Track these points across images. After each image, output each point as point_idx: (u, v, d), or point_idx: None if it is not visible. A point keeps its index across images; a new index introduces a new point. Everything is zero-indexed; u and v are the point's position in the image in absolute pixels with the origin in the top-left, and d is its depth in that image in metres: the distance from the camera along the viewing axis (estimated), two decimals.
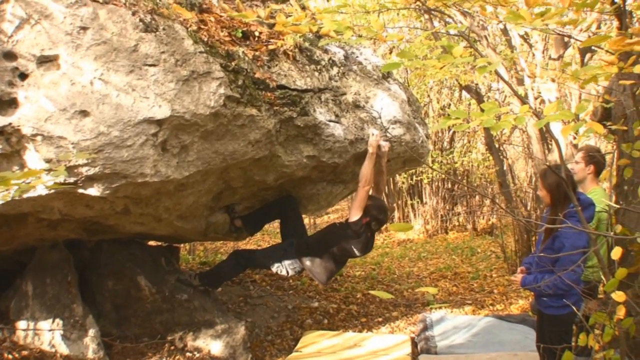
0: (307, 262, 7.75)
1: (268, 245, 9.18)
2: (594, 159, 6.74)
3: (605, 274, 4.74)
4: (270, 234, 21.66)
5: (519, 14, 4.21)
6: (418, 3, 4.90)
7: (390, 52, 18.73)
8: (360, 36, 5.18)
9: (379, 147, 7.46)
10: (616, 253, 4.35)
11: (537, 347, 6.11)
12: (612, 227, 5.95)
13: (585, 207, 5.77)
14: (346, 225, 7.54)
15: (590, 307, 5.86)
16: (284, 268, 7.81)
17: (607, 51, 4.22)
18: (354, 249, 7.56)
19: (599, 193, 6.67)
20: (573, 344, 5.99)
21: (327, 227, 8.18)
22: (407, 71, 19.60)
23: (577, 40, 9.37)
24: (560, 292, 5.80)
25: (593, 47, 10.16)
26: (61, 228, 6.95)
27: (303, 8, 7.32)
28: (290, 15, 5.12)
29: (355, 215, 7.39)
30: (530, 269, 6.33)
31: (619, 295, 4.20)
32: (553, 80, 11.78)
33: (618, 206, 5.76)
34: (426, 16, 15.28)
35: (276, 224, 15.80)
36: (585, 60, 12.96)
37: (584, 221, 4.71)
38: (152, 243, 9.68)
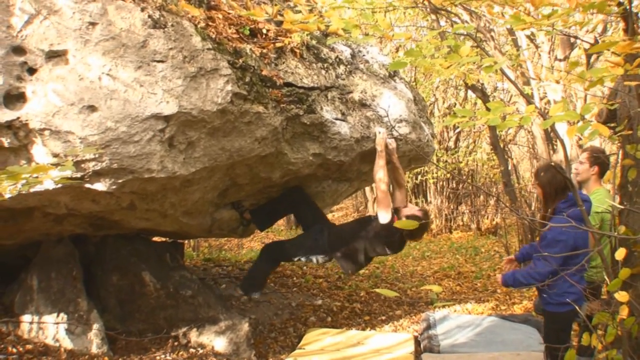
0: (338, 253, 7.72)
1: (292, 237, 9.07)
2: (599, 160, 6.76)
3: (609, 274, 4.76)
4: (274, 232, 21.68)
5: (521, 17, 4.23)
6: (425, 2, 4.91)
7: (397, 51, 18.74)
8: (367, 34, 5.20)
9: (386, 145, 7.49)
10: (620, 254, 4.38)
11: (546, 348, 6.15)
12: (615, 228, 5.96)
13: (575, 203, 5.83)
14: (380, 225, 7.46)
15: (593, 307, 5.89)
16: (314, 257, 7.81)
17: (613, 53, 4.23)
18: (386, 248, 7.55)
19: (602, 193, 6.70)
20: (575, 343, 6.02)
21: (363, 219, 8.17)
22: (413, 70, 19.60)
23: (583, 41, 9.39)
24: (533, 283, 5.90)
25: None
26: (67, 223, 6.97)
27: (311, 6, 7.34)
28: (298, 12, 5.13)
29: (383, 217, 7.30)
30: (519, 258, 6.46)
31: (622, 296, 4.22)
32: (557, 82, 11.79)
33: (622, 207, 5.77)
34: (433, 16, 15.31)
35: (280, 220, 15.79)
36: (591, 61, 12.96)
37: (587, 220, 4.73)
38: (156, 239, 9.70)
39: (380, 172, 7.31)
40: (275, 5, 7.47)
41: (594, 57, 12.33)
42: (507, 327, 8.86)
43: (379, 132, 7.47)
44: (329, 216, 26.84)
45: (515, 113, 4.17)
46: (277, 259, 8.46)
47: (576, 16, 4.86)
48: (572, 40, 12.01)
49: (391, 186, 8.00)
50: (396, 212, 7.47)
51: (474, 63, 4.45)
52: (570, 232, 5.49)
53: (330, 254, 7.74)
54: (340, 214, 28.74)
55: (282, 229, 22.83)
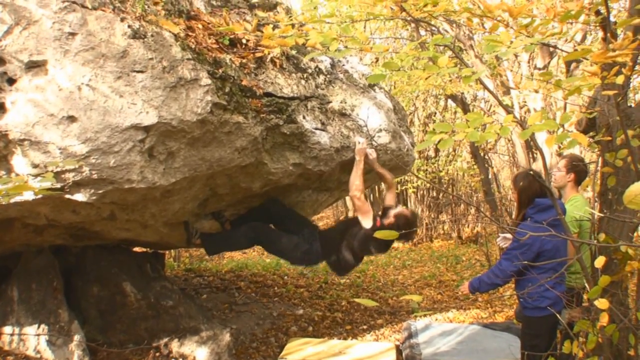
0: (332, 257, 7.67)
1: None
2: (576, 167, 6.82)
3: (588, 281, 4.79)
4: None
5: (497, 40, 4.25)
6: (404, 14, 4.93)
7: (377, 61, 18.80)
8: (346, 47, 5.21)
9: (366, 155, 7.50)
10: (599, 261, 4.40)
11: (522, 354, 6.18)
12: (595, 236, 6.01)
13: (543, 209, 5.91)
14: (365, 229, 7.39)
15: (574, 315, 5.92)
16: (304, 261, 7.79)
17: (591, 62, 4.26)
18: (372, 249, 7.52)
19: (580, 201, 6.75)
20: (558, 351, 6.05)
21: (348, 221, 8.13)
22: (393, 79, 19.66)
23: (562, 50, 9.43)
24: (497, 282, 6.04)
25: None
26: (47, 233, 6.96)
27: (289, 13, 7.34)
28: (277, 27, 5.15)
29: (367, 223, 7.29)
30: None
31: (602, 303, 4.24)
32: (536, 91, 11.84)
33: (601, 214, 5.82)
34: (412, 25, 15.35)
35: None
36: (571, 69, 13.04)
37: (568, 228, 4.77)
38: (137, 249, 9.68)
39: (357, 181, 7.30)
40: (255, 15, 7.49)
41: (573, 65, 12.41)
42: (488, 335, 8.89)
43: (359, 142, 7.48)
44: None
45: (494, 123, 4.19)
46: (257, 240, 8.02)
47: (555, 25, 4.89)
48: (552, 49, 12.08)
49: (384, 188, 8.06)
50: (385, 212, 7.55)
51: (453, 73, 4.48)
52: (537, 237, 5.57)
53: (324, 258, 7.71)
54: (321, 223, 28.74)
55: None
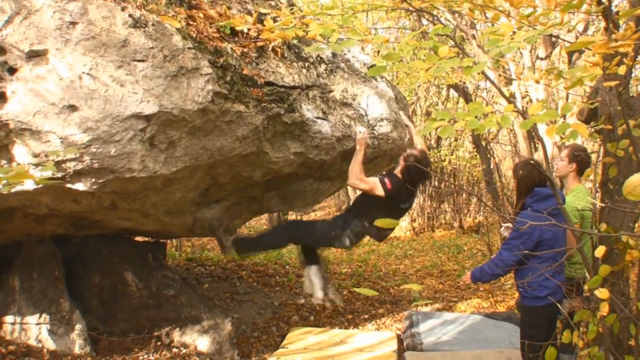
0: (366, 223, 7.60)
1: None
2: (578, 157, 6.80)
3: (589, 271, 4.79)
4: (257, 231, 21.63)
5: (499, 32, 4.24)
6: (405, 4, 4.92)
7: (379, 53, 18.76)
8: (348, 38, 5.20)
9: (367, 145, 7.50)
10: (600, 251, 4.40)
11: (521, 343, 6.19)
12: (596, 226, 6.01)
13: (543, 198, 5.91)
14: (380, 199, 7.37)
15: (574, 305, 5.93)
16: (346, 237, 7.73)
17: (593, 53, 4.25)
18: (400, 205, 7.57)
19: (582, 191, 6.74)
20: (558, 341, 6.06)
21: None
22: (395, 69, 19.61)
23: (564, 40, 9.42)
24: (498, 272, 6.04)
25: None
26: (48, 223, 6.96)
27: (292, 6, 7.33)
28: (278, 19, 5.15)
29: (379, 193, 7.30)
30: None
31: (602, 293, 4.24)
32: (537, 82, 11.82)
33: (602, 204, 5.81)
34: (414, 15, 15.32)
35: (262, 220, 15.69)
36: (573, 59, 13.01)
37: (569, 217, 4.78)
38: (138, 238, 9.68)
39: (356, 169, 7.30)
40: (257, 4, 7.48)
41: (575, 55, 12.38)
42: (489, 325, 8.90)
43: (360, 132, 7.47)
44: (312, 215, 26.89)
45: (495, 113, 4.18)
46: (297, 238, 8.05)
47: (556, 15, 4.88)
48: (554, 39, 12.05)
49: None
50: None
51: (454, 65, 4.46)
52: (536, 226, 5.56)
53: (362, 227, 7.63)
54: (322, 212, 28.74)
55: (265, 228, 22.80)
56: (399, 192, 7.30)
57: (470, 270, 6.52)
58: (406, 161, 7.26)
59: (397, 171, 7.33)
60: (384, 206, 7.32)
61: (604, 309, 4.40)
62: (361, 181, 7.32)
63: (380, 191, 7.27)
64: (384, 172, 7.87)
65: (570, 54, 12.19)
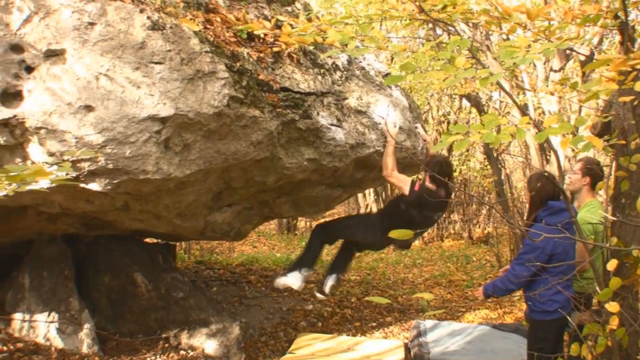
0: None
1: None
2: (591, 171, 6.79)
3: (600, 284, 4.79)
4: (265, 236, 21.70)
5: (515, 45, 4.26)
6: (423, 15, 4.94)
7: (392, 60, 18.78)
8: (364, 46, 5.23)
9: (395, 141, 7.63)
10: (611, 264, 4.40)
11: (528, 355, 6.19)
12: (607, 239, 6.00)
13: (556, 212, 5.90)
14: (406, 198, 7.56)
15: (584, 318, 5.92)
16: (375, 236, 7.86)
17: (607, 69, 4.26)
18: (427, 213, 7.65)
19: (595, 205, 6.73)
20: (566, 354, 6.06)
21: (396, 197, 8.44)
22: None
23: (579, 53, 9.42)
24: (512, 287, 6.02)
25: (595, 60, 10.24)
26: (60, 222, 6.98)
27: (309, 19, 7.35)
28: (295, 26, 5.17)
29: (405, 191, 7.49)
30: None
31: (612, 306, 4.24)
32: (552, 94, 11.82)
33: (614, 218, 5.81)
34: (430, 25, 15.33)
35: (272, 225, 15.70)
36: (587, 72, 13.00)
37: (581, 231, 4.78)
38: (148, 240, 9.70)
39: (388, 162, 7.51)
40: (273, 9, 7.50)
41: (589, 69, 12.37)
42: (497, 336, 8.88)
43: (395, 125, 7.81)
44: (321, 221, 26.90)
45: (509, 125, 4.19)
46: (334, 236, 8.60)
47: (572, 30, 4.89)
48: (568, 51, 12.05)
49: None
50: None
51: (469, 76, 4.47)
52: (549, 239, 5.56)
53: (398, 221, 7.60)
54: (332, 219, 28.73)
55: (274, 234, 22.85)
56: (426, 198, 7.29)
57: (482, 286, 6.51)
58: (429, 165, 7.39)
59: (427, 181, 7.41)
60: (410, 212, 7.48)
61: (614, 322, 4.40)
62: (392, 175, 7.52)
63: (406, 189, 7.41)
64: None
65: (584, 66, 12.20)
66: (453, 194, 20.88)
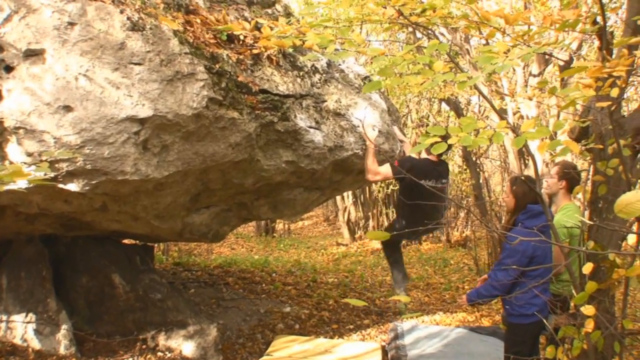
0: (404, 222, 7.97)
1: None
2: (568, 175, 6.83)
3: (576, 287, 4.82)
4: (244, 238, 21.72)
5: (493, 51, 4.28)
6: (402, 18, 4.96)
7: (371, 62, 18.82)
8: (344, 49, 5.24)
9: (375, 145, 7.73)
10: (587, 268, 4.44)
11: (505, 358, 6.22)
12: (584, 243, 6.04)
13: (534, 215, 5.95)
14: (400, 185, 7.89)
15: (560, 321, 5.95)
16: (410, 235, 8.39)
17: (587, 75, 4.30)
18: (428, 182, 7.63)
19: (572, 209, 6.77)
20: (542, 357, 6.09)
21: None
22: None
23: (557, 58, 9.46)
24: (496, 293, 6.04)
25: (573, 66, 10.28)
26: (38, 222, 6.97)
27: (289, 15, 7.36)
28: (275, 28, 5.18)
29: (391, 176, 7.77)
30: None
31: (588, 309, 4.27)
32: (530, 99, 11.88)
33: (591, 222, 5.85)
34: (409, 28, 15.38)
35: (250, 227, 15.71)
36: (566, 78, 13.07)
37: (557, 235, 4.80)
38: (127, 241, 9.68)
39: (370, 164, 7.69)
40: (254, 12, 7.50)
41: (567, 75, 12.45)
42: (474, 339, 8.91)
43: (374, 128, 7.92)
44: (299, 224, 26.91)
45: (487, 129, 4.21)
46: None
47: (551, 35, 4.93)
48: (547, 56, 12.12)
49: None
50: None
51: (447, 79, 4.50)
52: (529, 243, 5.60)
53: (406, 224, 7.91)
54: (309, 222, 28.76)
55: (252, 236, 22.88)
56: (413, 167, 7.43)
57: (466, 293, 6.54)
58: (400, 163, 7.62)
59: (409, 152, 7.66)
60: (409, 193, 7.53)
61: (590, 325, 4.44)
62: (376, 174, 7.68)
63: (391, 173, 7.61)
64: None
65: (563, 71, 12.26)
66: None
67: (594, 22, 5.30)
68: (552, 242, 4.67)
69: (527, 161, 14.34)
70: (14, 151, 5.47)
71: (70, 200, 6.17)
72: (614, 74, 4.08)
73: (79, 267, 8.10)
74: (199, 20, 6.61)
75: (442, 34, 13.36)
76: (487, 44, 13.57)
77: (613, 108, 5.04)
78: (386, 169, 7.59)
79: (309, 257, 18.84)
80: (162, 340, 7.95)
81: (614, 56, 5.14)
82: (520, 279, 5.85)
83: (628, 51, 4.45)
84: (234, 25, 5.71)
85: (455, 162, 21.86)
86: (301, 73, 7.57)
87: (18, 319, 7.19)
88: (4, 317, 7.22)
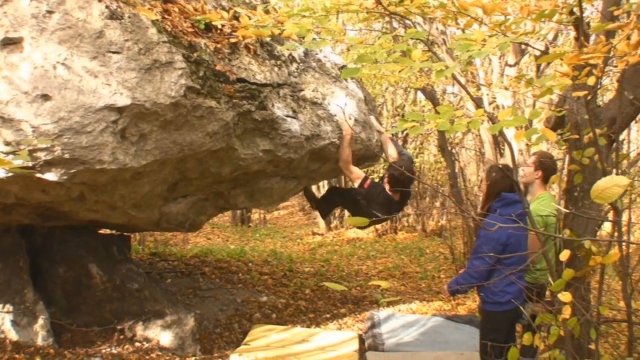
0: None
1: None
2: (544, 164, 6.89)
3: (553, 275, 4.86)
4: (220, 228, 21.71)
5: (470, 41, 4.31)
6: (380, 8, 4.98)
7: (348, 51, 18.82)
8: (321, 38, 5.25)
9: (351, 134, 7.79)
10: (564, 255, 4.48)
11: (481, 346, 6.27)
12: (560, 231, 6.09)
13: (509, 203, 6.00)
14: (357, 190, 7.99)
15: (537, 309, 6.00)
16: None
17: (563, 63, 4.33)
18: (376, 209, 7.61)
19: (547, 198, 6.83)
20: (518, 344, 6.14)
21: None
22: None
23: (534, 48, 9.51)
24: (473, 282, 6.09)
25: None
26: (15, 212, 6.93)
27: (267, 11, 7.36)
28: (253, 18, 5.19)
29: (356, 184, 7.93)
30: None
31: (565, 296, 4.32)
32: (506, 89, 11.95)
33: (567, 211, 5.89)
34: (386, 18, 15.39)
35: (226, 217, 15.72)
36: (542, 67, 13.13)
37: (534, 222, 4.84)
38: (104, 231, 9.66)
39: (343, 153, 7.92)
40: (231, 0, 7.50)
41: (544, 64, 12.51)
42: (451, 327, 8.96)
43: (350, 117, 8.01)
44: (275, 214, 26.92)
45: (464, 117, 4.24)
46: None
47: (527, 25, 4.96)
48: (523, 46, 12.17)
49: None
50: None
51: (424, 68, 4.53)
52: (503, 230, 5.64)
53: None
54: (285, 212, 28.78)
55: (228, 226, 22.88)
56: (373, 197, 7.66)
57: (446, 284, 6.59)
58: (389, 173, 7.67)
59: (385, 182, 7.71)
60: (360, 201, 7.92)
61: (566, 312, 4.48)
62: (347, 167, 7.94)
63: (357, 183, 7.84)
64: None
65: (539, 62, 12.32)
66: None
67: (571, 13, 5.33)
68: (529, 229, 4.72)
69: (502, 150, 14.39)
70: None
71: (47, 190, 6.14)
72: (591, 61, 4.12)
73: (56, 258, 8.06)
74: (176, 9, 6.60)
75: (419, 24, 13.38)
76: (463, 32, 13.60)
77: (589, 97, 5.08)
78: (357, 175, 7.90)
79: (285, 246, 18.88)
80: (139, 330, 7.95)
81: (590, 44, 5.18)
82: (496, 267, 5.88)
83: (605, 38, 4.49)
84: (212, 15, 5.72)
85: (430, 152, 21.95)
86: (278, 62, 7.57)
87: None
88: None
